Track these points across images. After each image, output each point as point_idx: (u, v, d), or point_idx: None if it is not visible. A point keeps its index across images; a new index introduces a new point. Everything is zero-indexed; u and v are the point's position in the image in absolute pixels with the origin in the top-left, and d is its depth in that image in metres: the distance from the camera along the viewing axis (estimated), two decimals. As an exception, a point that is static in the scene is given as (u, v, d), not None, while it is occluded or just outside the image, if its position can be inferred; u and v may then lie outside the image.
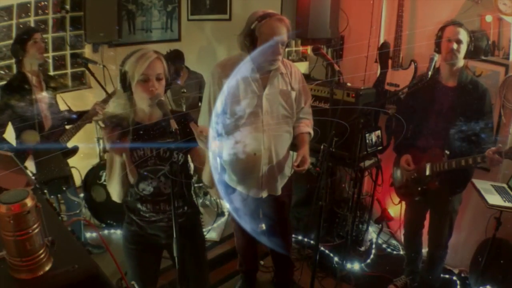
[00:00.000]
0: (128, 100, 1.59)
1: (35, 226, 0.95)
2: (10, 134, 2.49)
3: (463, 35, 2.09)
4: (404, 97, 2.47)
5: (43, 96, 2.50)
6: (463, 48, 2.11)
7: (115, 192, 1.64)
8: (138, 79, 1.51)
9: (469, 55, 2.16)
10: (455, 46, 2.09)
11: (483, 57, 2.56)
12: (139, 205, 1.68)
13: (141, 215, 1.70)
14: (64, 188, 2.38)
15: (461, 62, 2.16)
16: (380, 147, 2.90)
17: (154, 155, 1.64)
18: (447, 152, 2.15)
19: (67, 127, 2.62)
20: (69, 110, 2.66)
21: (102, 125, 1.53)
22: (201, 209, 3.69)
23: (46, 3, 3.25)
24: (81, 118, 2.58)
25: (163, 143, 1.58)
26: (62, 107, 2.70)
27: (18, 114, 2.36)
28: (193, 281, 1.83)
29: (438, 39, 2.17)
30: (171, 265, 1.95)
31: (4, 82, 2.60)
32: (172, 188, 1.48)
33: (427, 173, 2.22)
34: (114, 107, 1.60)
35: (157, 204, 1.69)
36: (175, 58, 3.57)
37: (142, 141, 1.59)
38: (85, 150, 2.58)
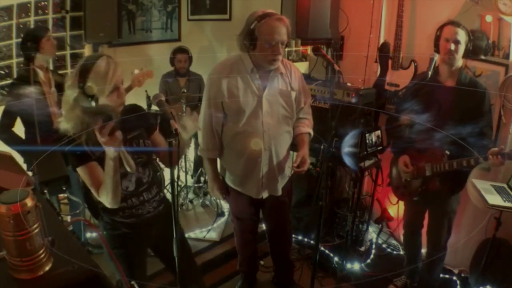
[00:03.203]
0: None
1: (35, 226, 0.95)
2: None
3: (461, 35, 2.08)
4: (404, 97, 2.47)
5: (52, 92, 2.52)
6: (461, 48, 2.10)
7: (113, 198, 1.53)
8: (111, 90, 1.47)
9: (468, 54, 2.15)
10: (452, 46, 2.08)
11: (483, 57, 2.56)
12: (123, 204, 1.66)
13: (126, 212, 1.69)
14: (64, 188, 2.38)
15: (459, 62, 2.16)
16: (380, 147, 2.90)
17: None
18: (447, 152, 2.15)
19: None
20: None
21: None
22: (201, 209, 3.72)
23: (46, 3, 3.25)
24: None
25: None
26: None
27: (27, 109, 2.37)
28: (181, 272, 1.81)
29: (437, 38, 2.17)
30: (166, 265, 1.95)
31: (9, 81, 2.62)
32: (172, 176, 1.45)
33: (428, 173, 2.22)
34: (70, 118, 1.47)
35: (140, 195, 1.70)
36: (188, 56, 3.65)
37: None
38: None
